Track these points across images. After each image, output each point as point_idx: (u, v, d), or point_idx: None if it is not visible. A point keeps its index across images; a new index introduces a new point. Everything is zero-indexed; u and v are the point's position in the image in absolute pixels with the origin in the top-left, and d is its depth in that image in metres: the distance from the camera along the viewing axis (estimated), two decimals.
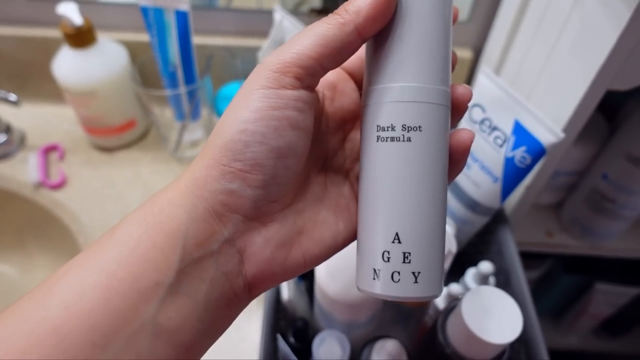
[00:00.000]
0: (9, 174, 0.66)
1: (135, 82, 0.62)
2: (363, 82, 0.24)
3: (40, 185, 0.65)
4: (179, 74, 0.61)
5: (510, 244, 0.53)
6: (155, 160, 0.69)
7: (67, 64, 0.61)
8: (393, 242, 0.22)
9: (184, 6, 0.56)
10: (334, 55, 0.21)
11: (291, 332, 0.46)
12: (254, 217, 0.22)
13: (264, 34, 0.66)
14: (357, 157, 0.27)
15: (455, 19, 0.23)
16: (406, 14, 0.22)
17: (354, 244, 0.25)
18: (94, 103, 0.63)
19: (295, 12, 0.65)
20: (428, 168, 0.22)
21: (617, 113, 0.65)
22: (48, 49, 0.66)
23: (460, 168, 0.24)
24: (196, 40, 0.60)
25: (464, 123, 0.53)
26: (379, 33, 0.22)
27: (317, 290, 0.44)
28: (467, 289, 0.47)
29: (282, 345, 0.35)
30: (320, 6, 0.65)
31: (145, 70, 0.65)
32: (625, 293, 0.86)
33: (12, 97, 0.64)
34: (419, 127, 0.22)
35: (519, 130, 0.47)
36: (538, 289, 0.91)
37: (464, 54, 0.67)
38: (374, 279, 0.23)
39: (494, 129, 0.49)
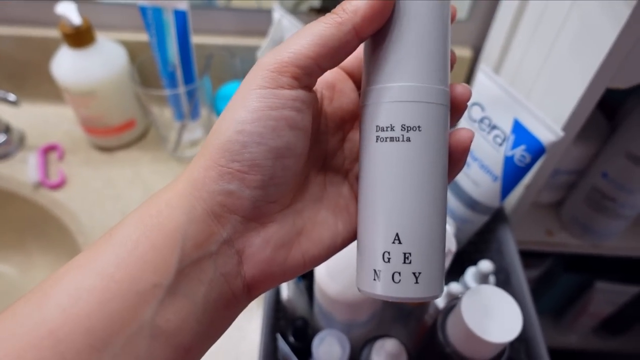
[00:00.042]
0: (9, 174, 0.66)
1: (134, 81, 0.62)
2: (362, 82, 0.24)
3: (40, 185, 0.65)
4: (178, 74, 0.61)
5: (510, 243, 0.53)
6: (154, 160, 0.69)
7: (66, 64, 0.61)
8: (393, 242, 0.22)
9: (183, 5, 0.56)
10: (332, 55, 0.21)
11: (291, 331, 0.46)
12: (252, 218, 0.22)
13: (263, 33, 0.66)
14: (357, 157, 0.27)
15: (453, 18, 0.23)
16: (404, 13, 0.22)
17: (354, 243, 0.25)
18: (93, 103, 0.63)
19: (294, 11, 0.65)
20: (428, 168, 0.22)
21: (617, 111, 0.64)
22: (47, 48, 0.66)
23: (460, 167, 0.24)
24: (195, 39, 0.60)
25: (463, 122, 0.53)
26: (377, 32, 0.22)
27: (317, 289, 0.44)
28: (467, 288, 0.47)
29: (282, 344, 0.35)
30: (319, 5, 0.65)
31: (145, 70, 0.65)
32: (625, 292, 0.86)
33: (12, 97, 0.64)
34: (418, 127, 0.22)
35: (519, 129, 0.47)
36: (538, 288, 0.91)
37: (463, 52, 0.67)
38: (374, 279, 0.23)
39: (494, 127, 0.49)
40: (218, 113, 0.65)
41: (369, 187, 0.23)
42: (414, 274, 0.22)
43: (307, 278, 0.51)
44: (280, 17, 0.57)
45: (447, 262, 0.44)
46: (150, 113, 0.66)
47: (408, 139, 0.22)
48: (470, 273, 0.48)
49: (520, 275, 0.50)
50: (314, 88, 0.24)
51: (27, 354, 0.17)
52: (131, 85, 0.65)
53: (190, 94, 0.62)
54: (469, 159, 0.51)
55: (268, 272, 0.22)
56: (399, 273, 0.22)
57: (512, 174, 0.48)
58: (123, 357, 0.18)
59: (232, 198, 0.21)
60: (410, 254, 0.22)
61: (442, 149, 0.23)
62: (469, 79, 0.70)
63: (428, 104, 0.22)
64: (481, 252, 0.58)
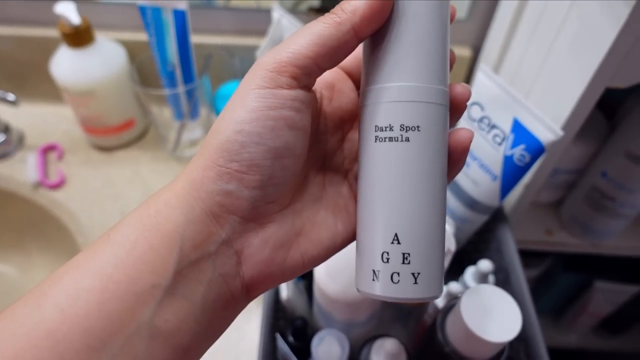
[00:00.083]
0: (8, 173, 0.66)
1: (133, 81, 0.62)
2: (361, 82, 0.24)
3: (39, 185, 0.65)
4: (178, 73, 0.61)
5: (509, 243, 0.53)
6: (154, 160, 0.69)
7: (66, 64, 0.61)
8: (392, 242, 0.22)
9: (182, 5, 0.56)
10: (331, 55, 0.21)
11: (290, 331, 0.46)
12: (251, 218, 0.22)
13: (262, 32, 0.66)
14: (356, 157, 0.27)
15: (452, 18, 0.23)
16: (403, 13, 0.22)
17: (353, 243, 0.25)
18: (92, 103, 0.63)
19: (293, 10, 0.65)
20: (427, 168, 0.22)
21: (617, 111, 0.64)
22: (46, 48, 0.66)
23: (459, 167, 0.24)
24: (194, 39, 0.60)
25: (462, 122, 0.53)
26: (376, 32, 0.22)
27: (316, 289, 0.44)
28: (466, 287, 0.47)
29: (281, 344, 0.35)
30: (318, 5, 0.65)
31: (144, 70, 0.65)
32: (624, 291, 0.86)
33: (11, 96, 0.64)
34: (417, 127, 0.22)
35: (518, 129, 0.47)
36: (537, 288, 0.91)
37: (463, 52, 0.67)
38: (373, 280, 0.22)
39: (493, 127, 0.49)
40: (217, 113, 0.65)
41: (368, 187, 0.23)
42: (413, 274, 0.22)
43: (307, 278, 0.51)
44: (280, 16, 0.57)
45: (447, 261, 0.44)
46: (149, 113, 0.66)
47: (407, 139, 0.22)
48: (469, 272, 0.48)
49: (519, 274, 0.50)
50: (313, 88, 0.23)
51: (26, 354, 0.17)
52: (130, 84, 0.65)
53: (190, 94, 0.62)
54: (468, 159, 0.51)
55: (267, 272, 0.22)
56: (398, 273, 0.22)
57: (512, 173, 0.48)
58: (121, 357, 0.18)
59: (231, 198, 0.21)
60: (409, 254, 0.22)
61: (441, 149, 0.22)
62: (468, 78, 0.70)
63: (427, 103, 0.22)
64: (480, 251, 0.58)
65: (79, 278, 0.19)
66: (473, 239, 0.58)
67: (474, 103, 0.51)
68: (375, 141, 0.22)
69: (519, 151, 0.46)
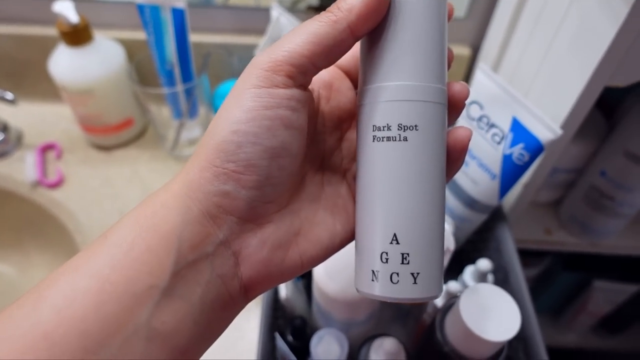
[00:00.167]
0: (6, 173, 0.66)
1: (132, 80, 0.61)
2: (358, 81, 0.24)
3: (38, 184, 0.65)
4: (176, 72, 0.61)
5: (508, 242, 0.53)
6: (153, 159, 0.69)
7: (64, 63, 0.61)
8: (391, 243, 0.22)
9: (181, 4, 0.56)
10: (326, 54, 0.21)
11: (289, 330, 0.46)
12: (249, 219, 0.22)
13: (261, 31, 0.66)
14: (355, 157, 0.27)
15: (450, 16, 0.23)
16: (400, 11, 0.21)
17: (352, 242, 0.25)
18: (91, 101, 0.63)
19: (292, 9, 0.65)
20: (425, 167, 0.22)
21: (616, 110, 0.64)
22: (44, 47, 0.65)
23: (458, 166, 0.24)
24: (193, 38, 0.60)
25: (461, 120, 0.53)
26: (373, 31, 0.22)
27: (316, 288, 0.44)
28: (465, 286, 0.47)
29: (281, 343, 0.35)
30: (317, 3, 0.65)
31: (143, 69, 0.64)
32: (624, 290, 0.86)
33: (9, 95, 0.64)
34: (416, 126, 0.22)
35: (517, 127, 0.47)
36: (536, 287, 0.91)
37: (462, 51, 0.67)
38: (372, 280, 0.22)
39: (492, 126, 0.49)
40: (216, 111, 0.65)
41: (367, 187, 0.23)
42: (412, 274, 0.22)
43: (306, 277, 0.51)
44: (278, 15, 0.57)
45: (446, 261, 0.44)
46: (148, 111, 0.65)
47: (405, 139, 0.22)
48: (468, 272, 0.48)
49: (518, 273, 0.50)
50: (310, 87, 0.23)
51: (23, 356, 0.17)
52: (129, 83, 0.65)
53: (188, 93, 0.62)
54: (467, 158, 0.51)
55: (265, 273, 0.22)
56: (397, 273, 0.22)
57: (511, 172, 0.48)
58: (119, 359, 0.18)
59: (228, 199, 0.21)
60: (408, 254, 0.22)
61: (439, 148, 0.22)
62: (467, 77, 0.70)
63: (425, 102, 0.22)
64: (480, 250, 0.58)
65: (76, 279, 0.19)
66: (472, 238, 0.58)
67: (473, 102, 0.51)
68: (373, 141, 0.22)
69: (518, 150, 0.46)
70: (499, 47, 0.59)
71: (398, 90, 0.22)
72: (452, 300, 0.40)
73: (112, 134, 0.68)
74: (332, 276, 0.41)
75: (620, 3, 0.38)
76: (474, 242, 0.58)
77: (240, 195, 0.21)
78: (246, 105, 0.21)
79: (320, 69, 0.22)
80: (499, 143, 0.48)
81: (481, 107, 0.50)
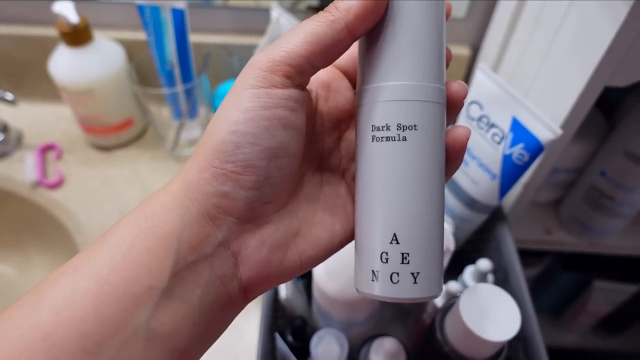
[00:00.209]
0: (6, 173, 0.66)
1: (132, 80, 0.61)
2: (357, 81, 0.24)
3: (38, 184, 0.65)
4: (176, 73, 0.61)
5: (508, 242, 0.53)
6: (153, 159, 0.69)
7: (64, 63, 0.61)
8: (391, 243, 0.22)
9: (181, 4, 0.56)
10: (324, 53, 0.21)
11: (289, 330, 0.46)
12: (248, 219, 0.22)
13: (261, 31, 0.66)
14: (353, 157, 0.26)
15: (448, 15, 0.23)
16: (398, 11, 0.21)
17: (352, 242, 0.25)
18: (91, 102, 0.63)
19: (292, 9, 0.65)
20: (424, 167, 0.22)
21: (616, 110, 0.64)
22: (44, 47, 0.66)
23: (457, 166, 0.24)
24: (193, 38, 0.60)
25: (461, 120, 0.53)
26: (371, 31, 0.22)
27: (315, 288, 0.44)
28: (465, 286, 0.47)
29: (281, 343, 0.35)
30: (317, 4, 0.65)
31: (143, 69, 0.64)
32: (624, 290, 0.86)
33: (9, 96, 0.64)
34: (414, 126, 0.22)
35: (517, 127, 0.47)
36: (537, 287, 0.91)
37: (462, 51, 0.67)
38: (372, 280, 0.22)
39: (492, 126, 0.49)
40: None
41: (366, 187, 0.23)
42: (412, 274, 0.22)
43: (306, 277, 0.51)
44: (278, 15, 0.57)
45: (446, 261, 0.44)
46: (148, 112, 0.65)
47: (404, 139, 0.22)
48: (468, 272, 0.48)
49: (518, 273, 0.50)
50: (309, 87, 0.23)
51: (22, 356, 0.17)
52: (129, 84, 0.65)
53: (189, 93, 0.62)
54: (467, 158, 0.51)
55: (264, 273, 0.22)
56: (397, 273, 0.22)
57: (511, 172, 0.48)
58: None
59: (227, 199, 0.21)
60: (408, 254, 0.22)
61: (438, 148, 0.22)
62: (467, 77, 0.70)
63: (424, 102, 0.22)
64: (480, 250, 0.58)
65: (75, 280, 0.19)
66: (472, 238, 0.58)
67: (473, 102, 0.51)
68: (372, 141, 0.22)
69: (518, 150, 0.46)
70: (499, 47, 0.59)
71: (397, 90, 0.22)
72: (452, 300, 0.40)
73: (112, 135, 0.68)
74: (332, 276, 0.41)
75: (620, 3, 0.38)
76: (474, 242, 0.58)
77: (239, 196, 0.21)
78: (244, 105, 0.21)
79: (318, 69, 0.22)
80: (499, 143, 0.48)
81: (481, 107, 0.50)
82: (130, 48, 0.67)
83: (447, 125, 0.24)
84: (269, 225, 0.22)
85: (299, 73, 0.21)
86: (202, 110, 0.68)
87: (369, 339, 0.43)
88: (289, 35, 0.21)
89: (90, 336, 0.18)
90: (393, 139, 0.22)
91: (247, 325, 0.53)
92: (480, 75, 0.50)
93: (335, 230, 0.24)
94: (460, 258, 0.56)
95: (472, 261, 0.48)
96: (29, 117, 0.72)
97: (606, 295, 0.87)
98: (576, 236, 0.67)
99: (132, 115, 0.69)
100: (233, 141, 0.20)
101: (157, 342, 0.19)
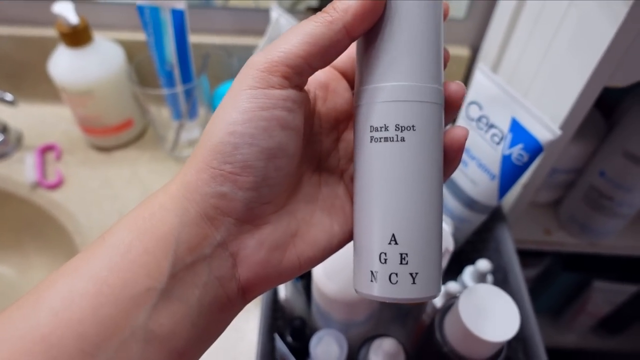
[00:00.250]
0: (6, 174, 0.66)
1: (132, 81, 0.61)
2: (355, 82, 0.24)
3: (37, 185, 0.65)
4: (176, 73, 0.61)
5: (507, 242, 0.53)
6: (152, 160, 0.69)
7: (64, 64, 0.61)
8: (390, 243, 0.22)
9: (180, 5, 0.56)
10: (322, 54, 0.21)
11: (289, 331, 0.46)
12: (246, 220, 0.22)
13: (260, 32, 0.66)
14: (352, 158, 0.26)
15: (446, 16, 0.23)
16: (396, 11, 0.21)
17: (350, 243, 0.25)
18: (90, 103, 0.63)
19: (291, 10, 0.65)
20: (423, 168, 0.22)
21: (615, 110, 0.64)
22: (44, 48, 0.66)
23: (455, 166, 0.24)
24: (192, 39, 0.60)
25: (461, 120, 0.53)
26: (369, 32, 0.22)
27: (315, 289, 0.44)
28: (464, 287, 0.47)
29: (280, 344, 0.35)
30: (316, 4, 0.65)
31: (142, 70, 0.64)
32: (623, 291, 0.86)
33: (9, 96, 0.64)
34: (413, 126, 0.22)
35: (516, 128, 0.47)
36: (536, 287, 0.91)
37: (461, 51, 0.67)
38: (371, 281, 0.22)
39: (491, 126, 0.49)
40: None
41: (364, 188, 0.23)
42: (411, 274, 0.22)
43: (305, 278, 0.51)
44: (278, 16, 0.57)
45: (445, 261, 0.44)
46: (148, 112, 0.65)
47: (402, 139, 0.22)
48: (468, 272, 0.48)
49: (518, 274, 0.50)
50: (307, 88, 0.23)
51: (20, 357, 0.17)
52: (129, 84, 0.65)
53: (188, 93, 0.62)
54: (466, 158, 0.51)
55: (263, 274, 0.22)
56: (396, 274, 0.22)
57: (510, 172, 0.48)
58: None
59: (225, 200, 0.21)
60: (406, 254, 0.22)
61: (437, 148, 0.22)
62: (467, 77, 0.70)
63: (422, 103, 0.22)
64: (479, 251, 0.58)
65: (74, 282, 0.19)
66: (471, 239, 0.58)
67: (472, 102, 0.51)
68: (371, 141, 0.22)
69: (517, 150, 0.46)
70: (499, 47, 0.59)
71: (395, 90, 0.22)
72: (452, 300, 0.40)
73: (112, 135, 0.68)
74: (331, 277, 0.41)
75: (619, 3, 0.38)
76: (473, 243, 0.58)
77: (237, 197, 0.21)
78: (242, 106, 0.21)
79: (316, 70, 0.22)
80: (498, 143, 0.48)
81: (480, 107, 0.50)
82: (130, 49, 0.67)
83: (446, 125, 0.24)
84: (268, 226, 0.22)
85: (297, 74, 0.21)
86: (201, 111, 0.68)
87: (368, 340, 0.43)
88: (287, 36, 0.21)
89: (88, 337, 0.18)
90: (391, 139, 0.22)
91: (247, 326, 0.53)
92: (480, 75, 0.50)
93: (333, 230, 0.24)
94: (459, 258, 0.56)
95: (472, 261, 0.48)
96: (28, 117, 0.72)
97: (605, 295, 0.87)
98: (575, 236, 0.67)
99: (132, 116, 0.69)
100: (231, 142, 0.20)
101: (155, 343, 0.19)
